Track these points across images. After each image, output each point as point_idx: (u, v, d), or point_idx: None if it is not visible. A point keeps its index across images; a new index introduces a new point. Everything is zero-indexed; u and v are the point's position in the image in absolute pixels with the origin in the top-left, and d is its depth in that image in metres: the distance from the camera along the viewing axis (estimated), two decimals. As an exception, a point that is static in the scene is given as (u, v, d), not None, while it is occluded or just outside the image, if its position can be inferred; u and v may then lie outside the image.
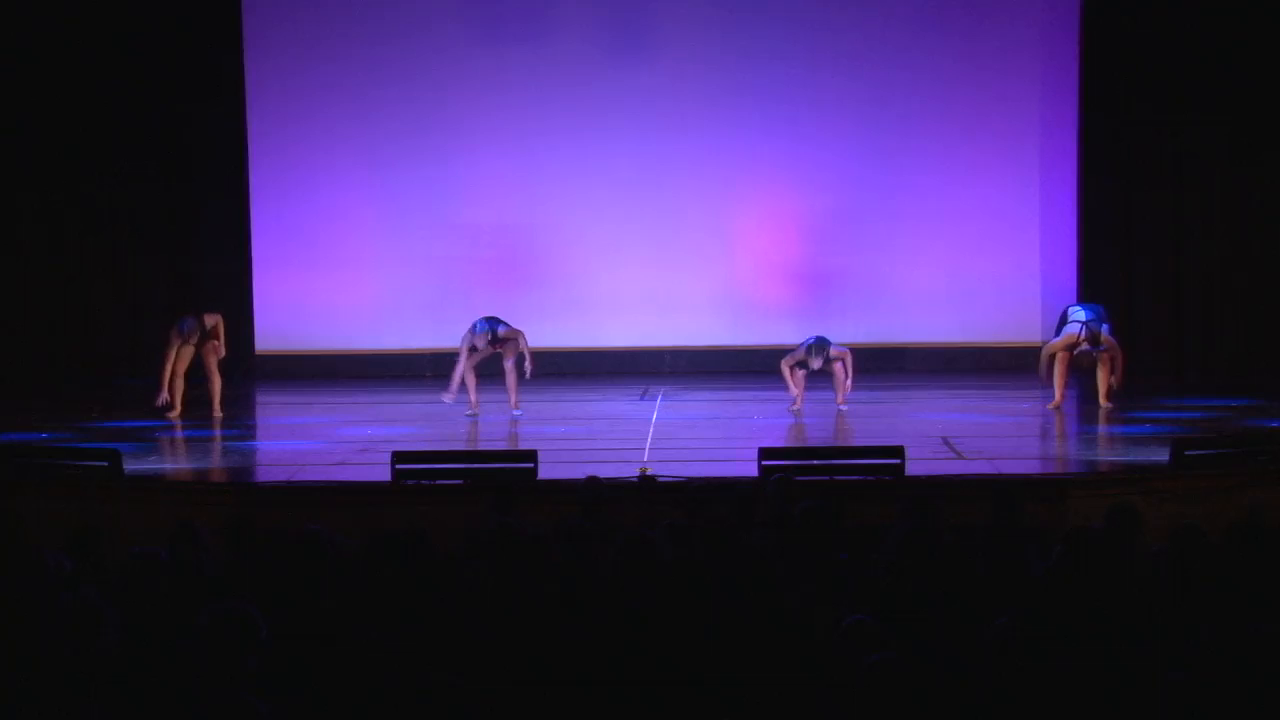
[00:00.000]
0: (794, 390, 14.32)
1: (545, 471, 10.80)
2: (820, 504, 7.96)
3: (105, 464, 11.31)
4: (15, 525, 8.28)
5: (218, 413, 14.43)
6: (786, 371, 14.36)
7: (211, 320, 14.55)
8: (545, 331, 17.66)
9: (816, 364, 14.27)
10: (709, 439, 13.54)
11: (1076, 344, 14.19)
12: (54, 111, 17.26)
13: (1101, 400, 14.20)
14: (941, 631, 6.14)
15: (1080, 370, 14.43)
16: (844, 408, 14.34)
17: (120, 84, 17.32)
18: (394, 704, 5.30)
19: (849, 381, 14.40)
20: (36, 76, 17.16)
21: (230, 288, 17.60)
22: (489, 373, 14.54)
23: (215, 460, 12.61)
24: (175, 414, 14.27)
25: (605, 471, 10.30)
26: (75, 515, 9.33)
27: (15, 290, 17.68)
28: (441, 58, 17.63)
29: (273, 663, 5.68)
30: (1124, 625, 6.14)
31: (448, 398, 14.22)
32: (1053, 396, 14.22)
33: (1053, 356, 14.24)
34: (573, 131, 17.62)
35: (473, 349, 14.27)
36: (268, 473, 12.17)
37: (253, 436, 14.32)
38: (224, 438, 13.67)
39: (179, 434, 13.87)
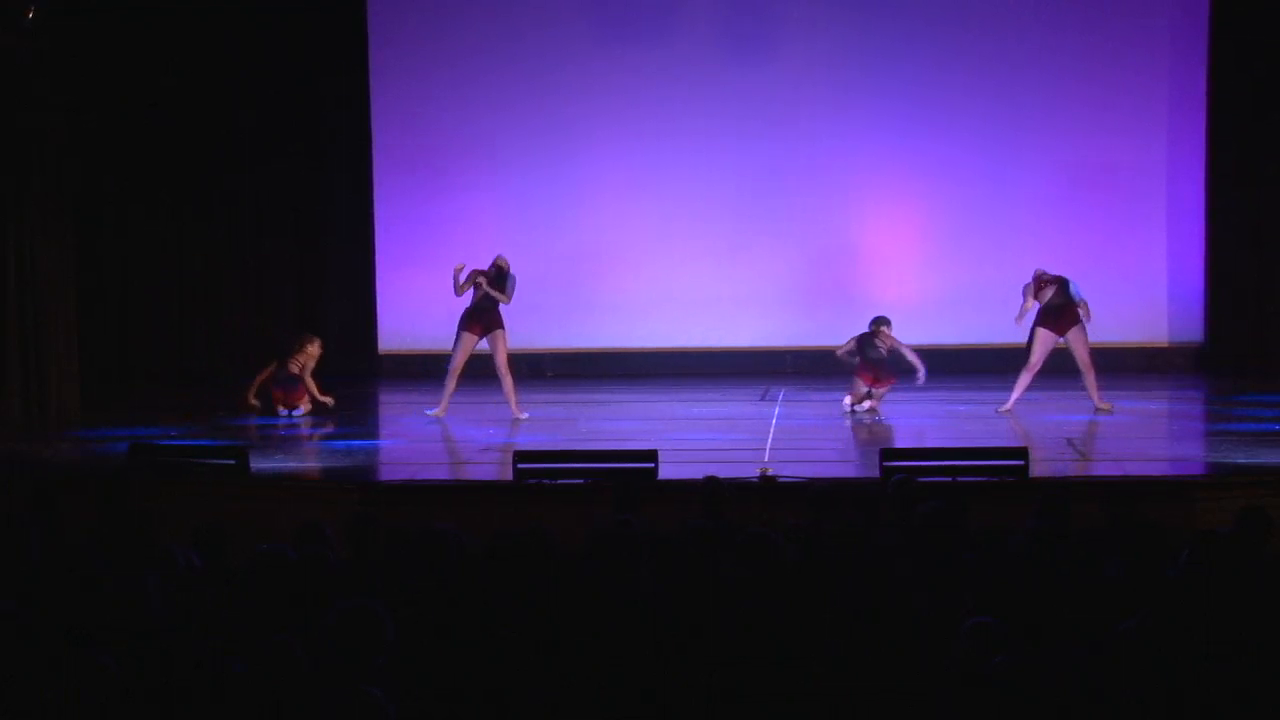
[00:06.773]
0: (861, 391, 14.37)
1: (665, 471, 10.82)
2: (944, 505, 7.90)
3: (232, 462, 11.50)
4: (147, 524, 8.42)
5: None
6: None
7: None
8: (664, 332, 17.71)
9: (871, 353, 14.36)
10: (830, 440, 13.50)
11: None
12: (180, 115, 17.44)
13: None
14: (1066, 634, 6.07)
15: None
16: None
17: (245, 83, 17.53)
18: (518, 702, 5.34)
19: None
20: (166, 72, 17.28)
21: (354, 286, 17.80)
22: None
23: (339, 460, 12.72)
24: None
25: (725, 472, 10.29)
26: (203, 513, 9.46)
27: (142, 285, 17.77)
28: (564, 59, 17.70)
29: (399, 661, 5.73)
30: (1254, 630, 6.04)
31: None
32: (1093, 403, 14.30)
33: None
34: (693, 133, 17.62)
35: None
36: (391, 471, 12.29)
37: (375, 436, 14.45)
38: (348, 436, 13.80)
39: (302, 433, 14.05)
